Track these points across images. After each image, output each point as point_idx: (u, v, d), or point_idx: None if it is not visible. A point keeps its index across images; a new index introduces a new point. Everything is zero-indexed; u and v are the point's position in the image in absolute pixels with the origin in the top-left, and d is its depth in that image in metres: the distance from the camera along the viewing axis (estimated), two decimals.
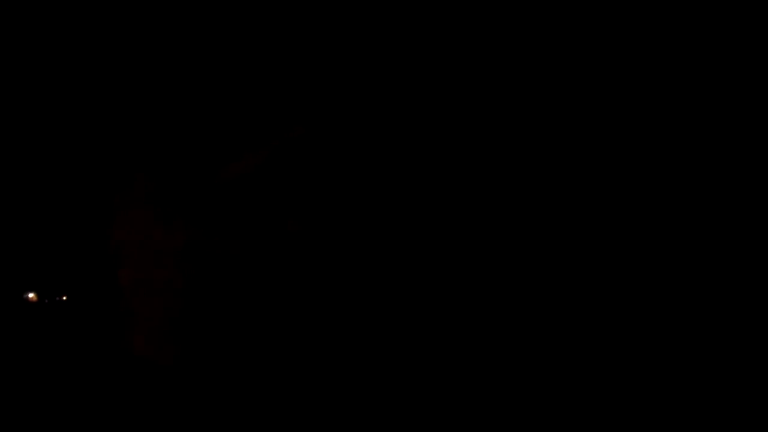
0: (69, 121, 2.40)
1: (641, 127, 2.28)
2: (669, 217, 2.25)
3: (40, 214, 2.43)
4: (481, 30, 2.32)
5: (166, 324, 2.29)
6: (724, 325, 2.16)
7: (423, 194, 2.36)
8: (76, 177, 2.42)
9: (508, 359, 2.26)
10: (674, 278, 2.22)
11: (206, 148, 2.34)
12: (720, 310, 2.17)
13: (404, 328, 2.30)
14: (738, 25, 2.18)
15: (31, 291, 2.40)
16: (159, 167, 2.34)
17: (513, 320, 2.28)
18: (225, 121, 2.34)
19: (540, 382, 2.22)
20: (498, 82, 2.32)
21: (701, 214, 2.21)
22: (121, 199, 2.31)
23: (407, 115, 2.37)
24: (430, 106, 2.38)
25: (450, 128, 2.39)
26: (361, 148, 2.37)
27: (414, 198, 2.36)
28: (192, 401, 2.27)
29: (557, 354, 2.24)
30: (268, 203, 2.34)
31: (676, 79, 2.26)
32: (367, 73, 2.35)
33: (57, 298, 2.40)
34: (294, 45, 2.34)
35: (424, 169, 2.37)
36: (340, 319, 2.33)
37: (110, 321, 2.34)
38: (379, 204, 2.35)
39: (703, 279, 2.20)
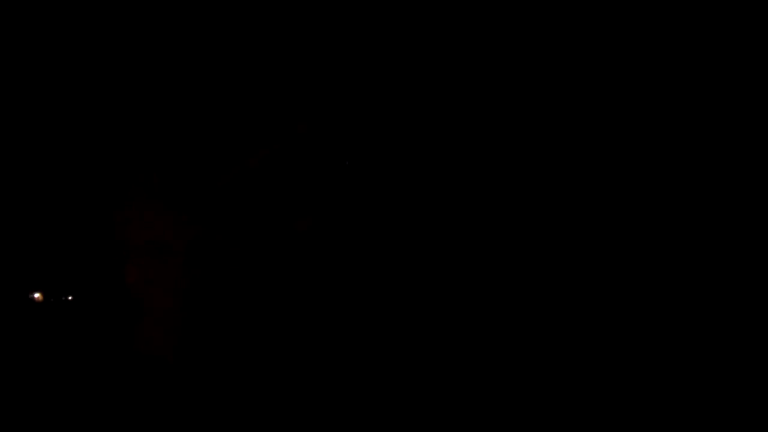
0: (75, 117, 2.40)
1: (641, 128, 2.28)
2: (668, 217, 2.25)
3: (45, 212, 2.44)
4: (480, 28, 2.33)
5: (173, 322, 2.30)
6: (724, 325, 2.16)
7: (430, 191, 2.37)
8: (82, 174, 2.43)
9: (509, 359, 2.26)
10: (673, 278, 2.22)
11: (214, 145, 2.36)
12: (720, 310, 2.17)
13: (410, 326, 2.30)
14: (738, 25, 2.18)
15: (37, 291, 2.41)
16: (166, 164, 2.34)
17: (516, 319, 2.28)
18: (232, 118, 2.36)
19: (540, 382, 2.22)
20: (499, 78, 2.33)
21: (700, 215, 2.21)
22: (128, 196, 2.31)
23: (411, 112, 2.38)
24: (433, 102, 2.39)
25: (455, 126, 2.40)
26: (366, 145, 2.38)
27: (421, 195, 2.37)
28: (200, 399, 2.28)
29: (557, 354, 2.24)
30: (276, 201, 2.36)
31: (676, 79, 2.26)
32: (370, 71, 2.36)
33: (63, 298, 2.41)
34: (300, 42, 2.35)
35: (430, 165, 2.37)
36: (347, 317, 2.33)
37: (117, 319, 2.35)
38: (384, 201, 2.36)
39: (702, 279, 2.20)
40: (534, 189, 2.34)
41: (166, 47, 2.33)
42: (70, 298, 2.41)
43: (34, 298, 2.40)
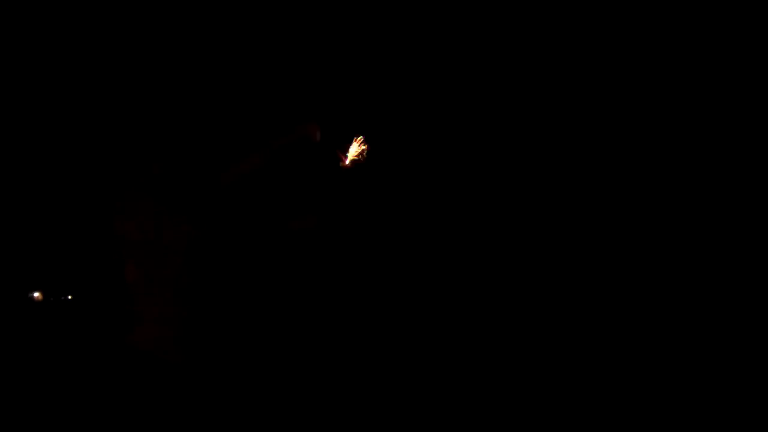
0: (72, 115, 2.41)
1: (641, 128, 2.29)
2: (668, 217, 2.25)
3: (45, 212, 2.45)
4: (480, 27, 2.33)
5: (172, 321, 2.30)
6: (724, 326, 2.16)
7: (427, 192, 2.38)
8: (81, 173, 2.44)
9: (509, 359, 2.27)
10: (674, 278, 2.23)
11: (214, 145, 2.36)
12: (720, 310, 2.18)
13: (411, 326, 2.31)
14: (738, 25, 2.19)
15: (36, 290, 2.42)
16: (165, 162, 2.34)
17: (516, 319, 2.29)
18: (231, 118, 2.36)
19: (540, 382, 2.23)
20: (499, 77, 2.34)
21: (701, 215, 2.22)
22: (128, 196, 2.31)
23: (410, 111, 2.39)
24: (432, 102, 2.40)
25: (454, 125, 2.40)
26: (365, 145, 2.39)
27: (418, 196, 2.37)
28: (200, 398, 2.29)
29: (557, 354, 2.25)
30: (275, 201, 2.37)
31: (676, 79, 2.27)
32: (369, 70, 2.37)
33: (62, 297, 2.42)
34: (298, 41, 2.36)
35: (428, 166, 2.38)
36: (347, 317, 2.34)
37: (116, 318, 2.35)
38: (384, 200, 2.37)
39: (702, 279, 2.21)
40: (534, 189, 2.35)
41: (165, 46, 2.34)
42: (70, 297, 2.42)
43: (33, 297, 2.40)
